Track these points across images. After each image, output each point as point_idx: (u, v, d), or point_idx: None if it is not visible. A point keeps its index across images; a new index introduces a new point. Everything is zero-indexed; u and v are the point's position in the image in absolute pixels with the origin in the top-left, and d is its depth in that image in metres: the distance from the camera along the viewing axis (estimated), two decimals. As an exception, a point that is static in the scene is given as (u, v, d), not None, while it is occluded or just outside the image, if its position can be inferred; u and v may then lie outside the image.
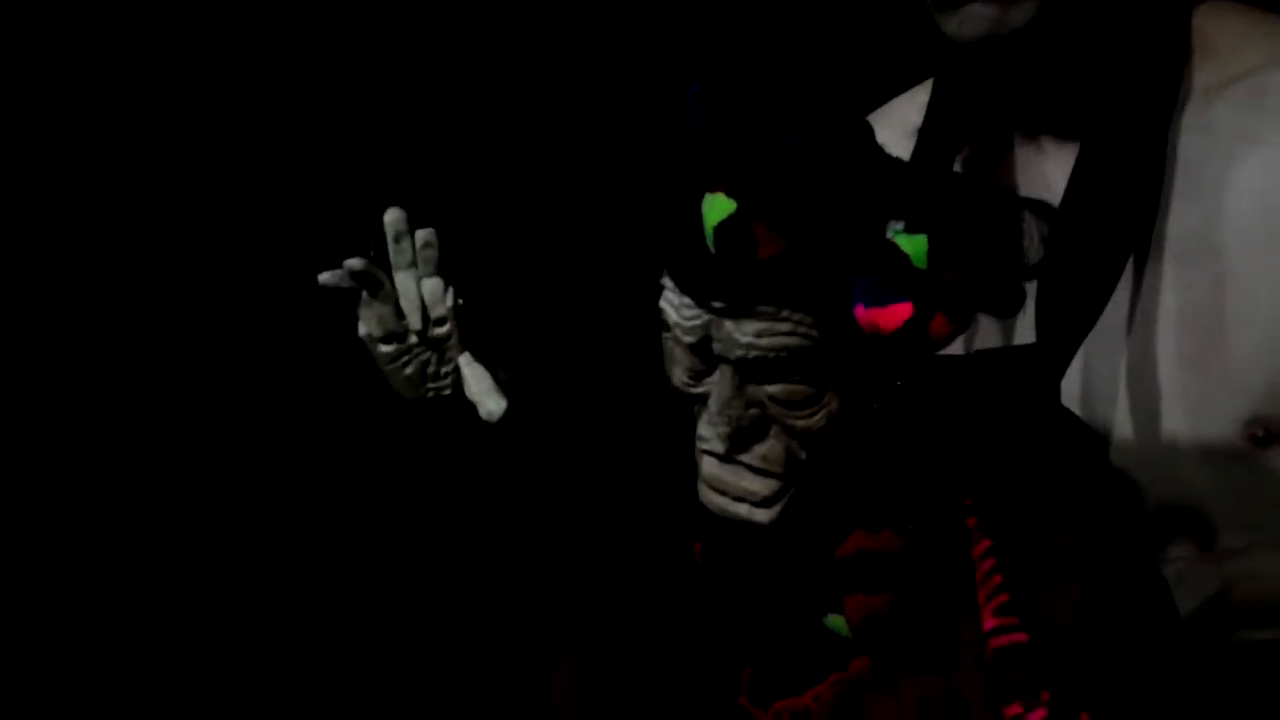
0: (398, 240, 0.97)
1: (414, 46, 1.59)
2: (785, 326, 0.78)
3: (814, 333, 0.78)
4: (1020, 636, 0.80)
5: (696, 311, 0.80)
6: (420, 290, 0.98)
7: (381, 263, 0.97)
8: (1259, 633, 1.02)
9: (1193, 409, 0.99)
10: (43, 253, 1.58)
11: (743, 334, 0.78)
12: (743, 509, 0.82)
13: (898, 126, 1.11)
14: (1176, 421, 1.00)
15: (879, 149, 0.79)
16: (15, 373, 1.59)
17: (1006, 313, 0.80)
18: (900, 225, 0.76)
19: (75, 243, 1.59)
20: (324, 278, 0.97)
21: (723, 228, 0.76)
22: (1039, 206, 0.80)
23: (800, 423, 0.80)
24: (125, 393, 1.60)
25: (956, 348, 0.94)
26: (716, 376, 0.81)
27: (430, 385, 1.00)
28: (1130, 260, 0.99)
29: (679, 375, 0.84)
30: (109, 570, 1.61)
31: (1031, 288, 0.87)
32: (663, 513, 0.91)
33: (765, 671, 0.87)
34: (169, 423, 1.61)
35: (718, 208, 0.76)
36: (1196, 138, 1.00)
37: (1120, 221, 0.98)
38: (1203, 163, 1.00)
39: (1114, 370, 1.02)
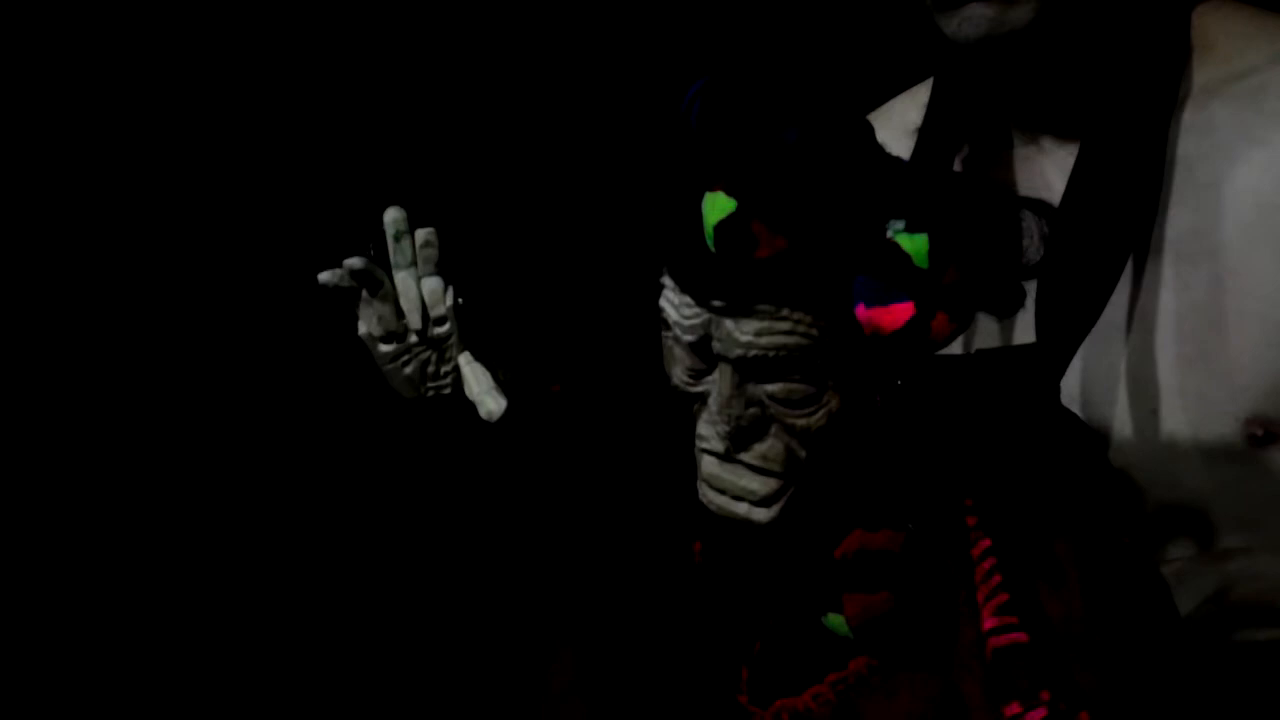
0: (398, 239, 0.97)
1: (414, 46, 1.59)
2: (785, 325, 0.78)
3: (814, 332, 0.78)
4: (1020, 636, 0.80)
5: (696, 310, 0.80)
6: (420, 289, 0.98)
7: (381, 262, 0.97)
8: (1259, 633, 1.03)
9: (1192, 408, 0.99)
10: (43, 252, 1.58)
11: (742, 333, 0.78)
12: (742, 508, 0.82)
13: (898, 126, 1.11)
14: (1176, 421, 1.00)
15: (879, 148, 0.79)
16: (15, 373, 1.58)
17: (1006, 312, 0.80)
18: (901, 224, 0.76)
19: (75, 242, 1.59)
20: (324, 277, 0.97)
21: (722, 226, 0.76)
22: (1039, 206, 0.80)
23: (800, 422, 0.80)
24: (124, 392, 1.60)
25: (956, 347, 0.94)
26: (716, 375, 0.81)
27: (430, 385, 1.00)
28: (1130, 260, 0.99)
29: (679, 374, 0.84)
30: (108, 570, 1.61)
31: (1031, 287, 0.87)
32: (663, 512, 0.91)
33: (765, 670, 0.87)
34: (168, 422, 1.61)
35: (718, 206, 0.76)
36: (1196, 137, 1.00)
37: (1120, 221, 0.98)
38: (1202, 162, 1.00)
39: (1113, 370, 1.02)
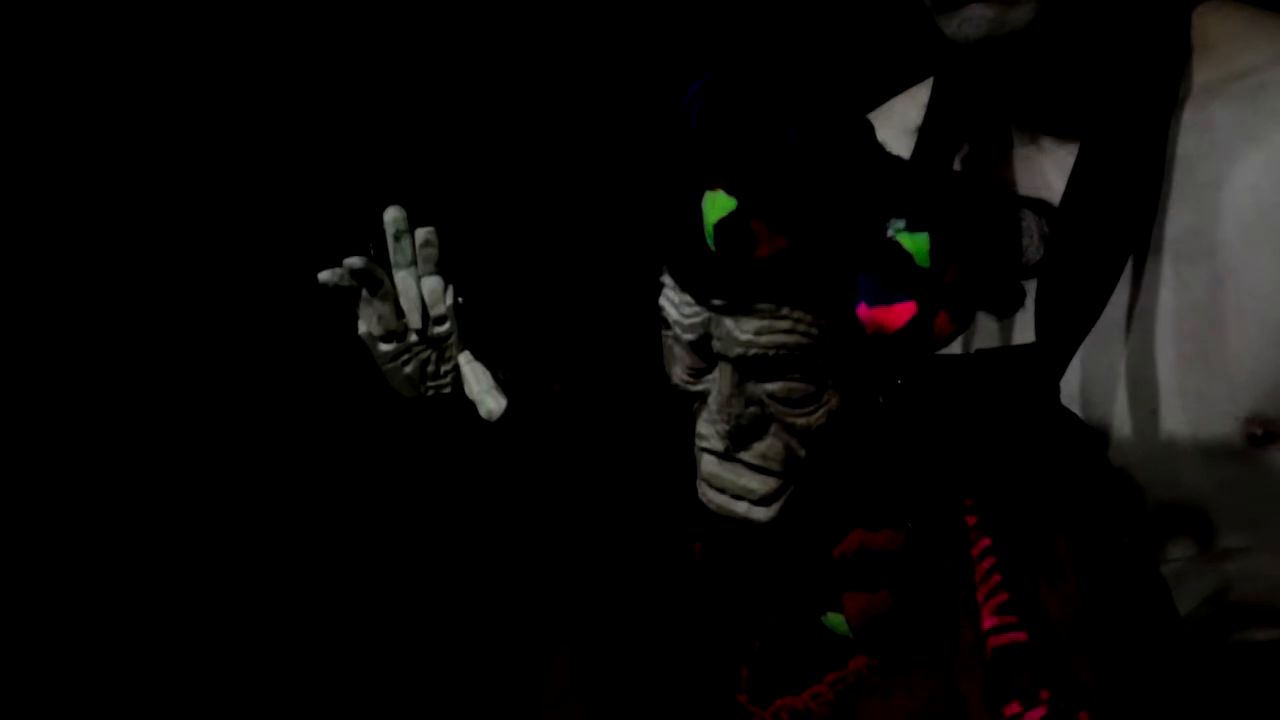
0: (397, 239, 0.97)
1: (414, 46, 1.59)
2: (785, 324, 0.78)
3: (814, 331, 0.78)
4: (1019, 635, 0.80)
5: (696, 309, 0.80)
6: (420, 289, 0.98)
7: (381, 261, 0.97)
8: (1259, 633, 1.03)
9: (1192, 408, 0.99)
10: (43, 252, 1.58)
11: (742, 332, 0.78)
12: (741, 507, 0.82)
13: (897, 125, 1.11)
14: (1175, 420, 1.00)
15: (879, 147, 0.79)
16: (15, 373, 1.58)
17: (1006, 312, 0.80)
18: (901, 223, 0.76)
19: (75, 242, 1.59)
20: (324, 276, 0.97)
21: (722, 225, 0.76)
22: (1039, 206, 0.80)
23: (800, 421, 0.80)
24: (124, 391, 1.60)
25: (956, 347, 0.94)
26: (716, 374, 0.81)
27: (430, 384, 1.00)
28: (1129, 259, 0.99)
29: (679, 373, 0.84)
30: (108, 569, 1.61)
31: (1031, 287, 0.87)
32: (663, 511, 0.91)
33: (764, 669, 0.87)
34: (168, 421, 1.61)
35: (717, 205, 0.76)
36: (1196, 136, 1.00)
37: (1120, 220, 0.98)
38: (1202, 161, 1.00)
39: (1113, 369, 1.02)
